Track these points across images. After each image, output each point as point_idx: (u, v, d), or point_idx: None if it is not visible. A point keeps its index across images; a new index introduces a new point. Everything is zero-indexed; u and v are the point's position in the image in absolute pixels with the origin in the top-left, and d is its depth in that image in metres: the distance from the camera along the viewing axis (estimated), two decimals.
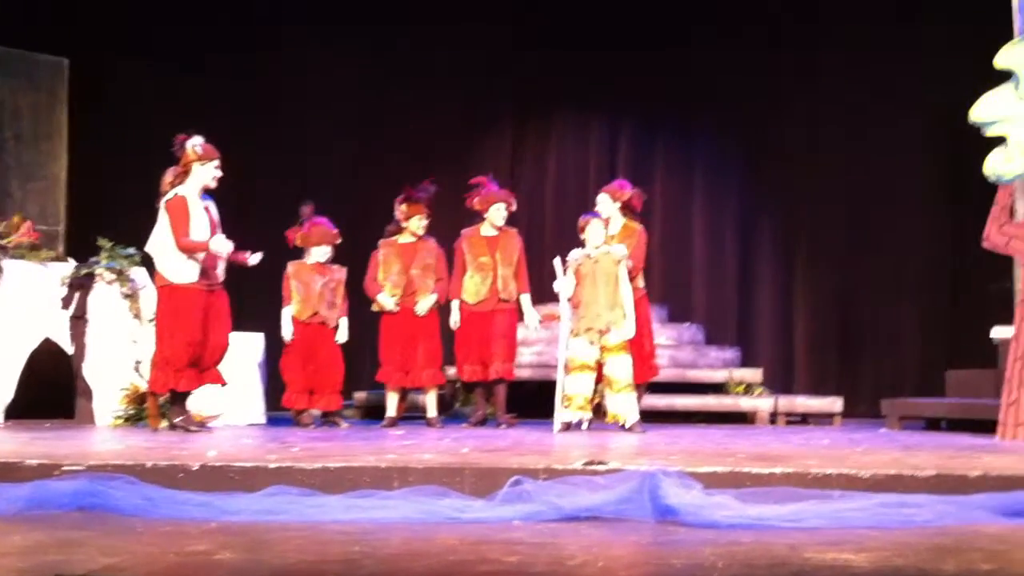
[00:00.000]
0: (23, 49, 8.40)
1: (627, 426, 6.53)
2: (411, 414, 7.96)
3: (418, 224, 7.45)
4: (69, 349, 7.43)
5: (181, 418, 6.55)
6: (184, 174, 6.49)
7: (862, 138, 9.76)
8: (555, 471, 4.17)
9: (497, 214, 7.46)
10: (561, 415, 6.62)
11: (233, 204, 9.67)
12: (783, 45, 10.05)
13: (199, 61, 10.18)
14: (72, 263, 7.65)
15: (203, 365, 6.56)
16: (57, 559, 2.99)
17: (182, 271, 6.44)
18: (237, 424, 7.35)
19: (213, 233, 6.51)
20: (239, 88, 10.37)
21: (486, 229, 7.49)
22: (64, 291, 7.42)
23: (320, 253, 7.49)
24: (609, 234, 7.16)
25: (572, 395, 6.60)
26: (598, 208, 7.27)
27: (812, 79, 9.97)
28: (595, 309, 6.54)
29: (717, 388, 8.86)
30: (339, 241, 7.56)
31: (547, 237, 10.34)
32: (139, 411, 7.03)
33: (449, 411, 8.58)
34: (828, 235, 10.09)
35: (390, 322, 7.42)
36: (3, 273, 7.33)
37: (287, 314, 7.37)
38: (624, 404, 6.55)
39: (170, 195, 6.46)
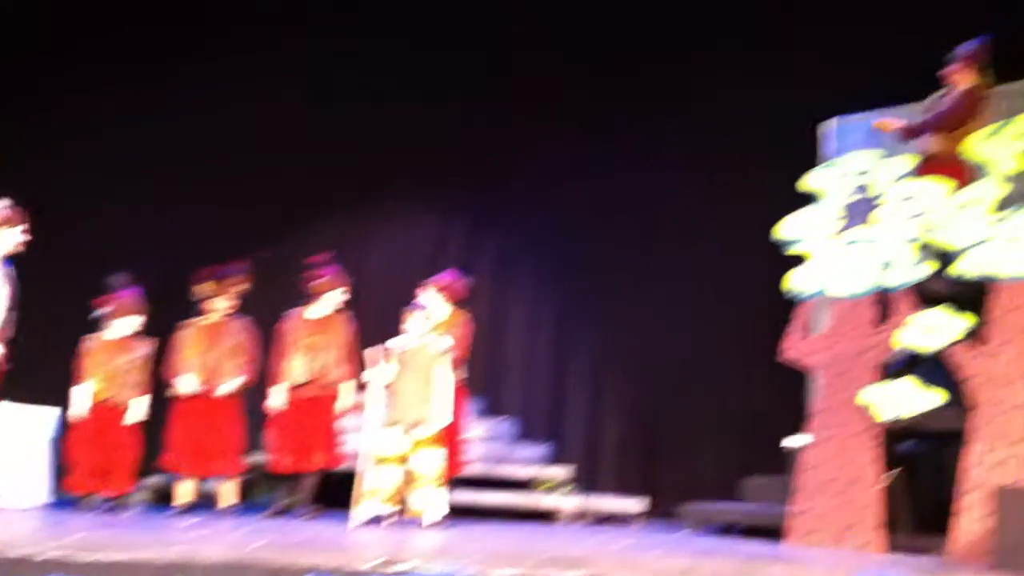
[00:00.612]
0: None
1: (429, 523, 6.42)
2: (207, 501, 7.63)
3: (223, 304, 7.26)
4: None
5: None
6: None
7: (676, 246, 9.99)
8: (349, 571, 4.03)
9: (331, 297, 7.35)
10: (362, 509, 6.47)
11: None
12: (611, 153, 10.25)
13: None
14: None
15: None
16: None
17: None
18: (18, 507, 6.90)
19: (9, 304, 6.17)
20: None
21: (315, 311, 7.36)
22: None
23: (124, 326, 7.18)
24: (435, 323, 7.15)
25: (376, 488, 6.46)
26: (424, 296, 7.25)
27: (635, 185, 10.17)
28: (408, 400, 6.47)
29: (527, 484, 8.83)
30: (144, 316, 7.27)
31: (369, 323, 10.20)
32: None
33: (249, 500, 8.27)
34: (640, 339, 10.27)
35: (187, 406, 7.16)
36: None
37: (80, 392, 7.00)
38: (429, 500, 6.44)
39: None
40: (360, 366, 7.56)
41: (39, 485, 7.29)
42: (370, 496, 6.47)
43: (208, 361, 7.13)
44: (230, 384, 7.08)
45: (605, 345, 10.47)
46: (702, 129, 9.72)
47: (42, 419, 7.46)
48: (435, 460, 6.46)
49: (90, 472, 6.96)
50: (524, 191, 10.37)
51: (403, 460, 6.48)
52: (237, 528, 5.85)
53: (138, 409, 7.11)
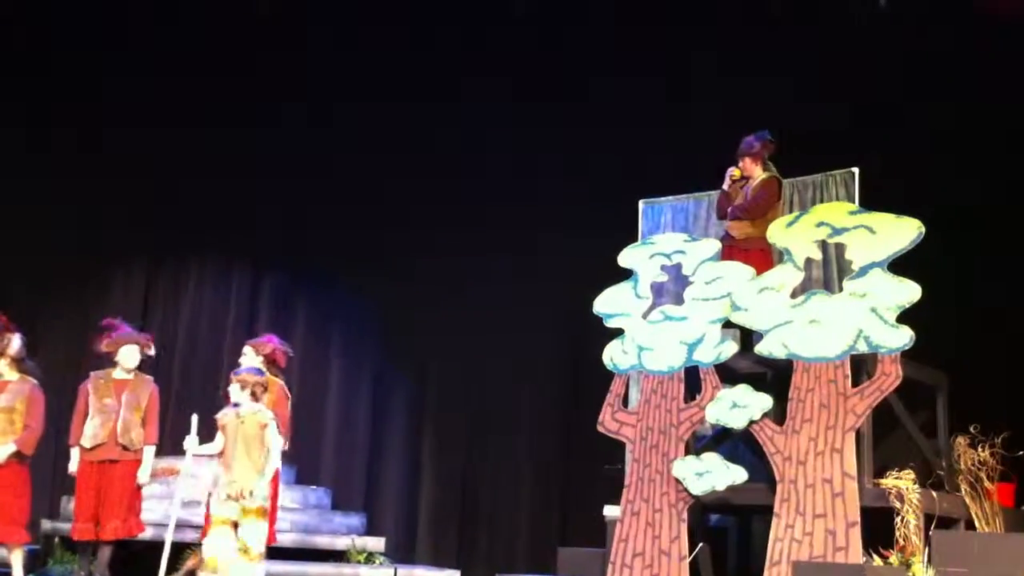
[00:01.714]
0: None
1: None
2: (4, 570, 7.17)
3: (4, 367, 6.92)
4: None
5: None
6: None
7: (495, 315, 10.06)
8: None
9: (129, 356, 7.08)
10: None
11: None
12: (419, 207, 10.26)
13: None
14: None
15: None
16: None
17: None
18: None
19: None
20: None
21: (117, 372, 7.10)
22: None
23: None
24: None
25: (208, 557, 6.14)
26: (242, 360, 7.06)
27: (447, 247, 10.19)
28: (237, 472, 6.19)
29: (340, 555, 8.64)
30: None
31: (175, 386, 9.89)
32: None
33: (43, 570, 7.81)
34: (455, 411, 10.28)
35: None
36: None
37: None
38: (249, 572, 6.13)
39: None
40: (164, 430, 7.30)
41: None
42: (201, 566, 6.15)
43: None
44: (4, 450, 6.68)
45: (419, 415, 10.45)
46: (518, 199, 9.89)
47: None
48: (260, 533, 6.20)
49: None
50: (334, 256, 10.28)
51: (235, 527, 6.17)
52: None
53: None
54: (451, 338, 10.14)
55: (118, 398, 7.01)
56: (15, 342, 6.92)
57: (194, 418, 6.42)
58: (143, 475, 7.02)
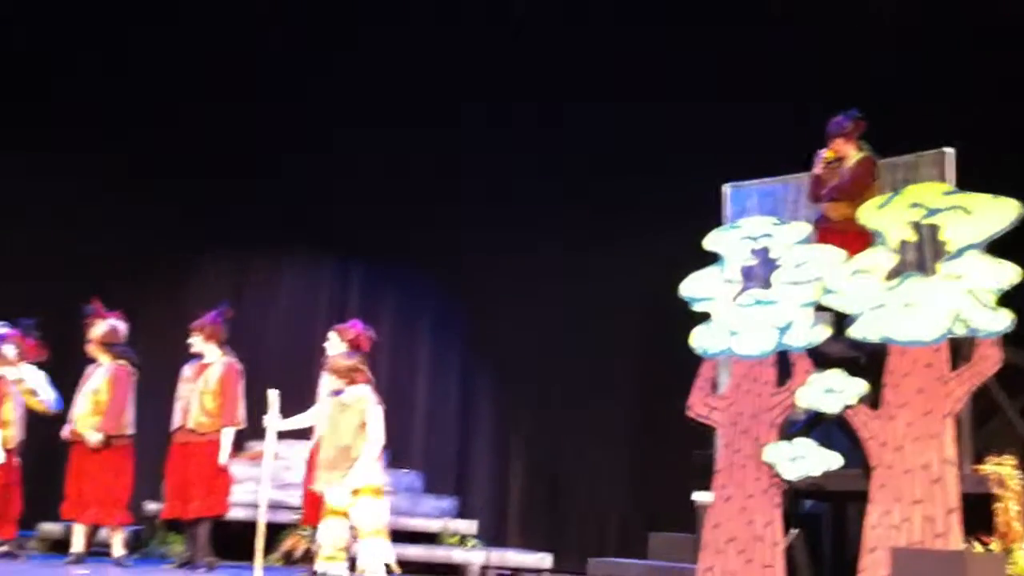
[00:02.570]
0: None
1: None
2: (102, 549, 7.41)
3: (94, 350, 7.17)
4: None
5: None
6: None
7: (582, 299, 10.09)
8: None
9: (197, 340, 7.26)
10: (262, 563, 6.27)
11: None
12: (505, 203, 10.32)
13: None
14: None
15: None
16: None
17: None
18: None
19: None
20: None
21: (198, 359, 7.29)
22: None
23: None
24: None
25: (322, 543, 6.25)
26: (327, 346, 7.20)
27: (531, 238, 10.25)
28: (342, 456, 6.23)
29: (432, 538, 8.75)
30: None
31: (267, 374, 10.08)
32: None
33: (142, 550, 8.05)
34: (545, 395, 10.33)
35: (76, 453, 7.02)
36: None
37: None
38: (366, 553, 6.14)
39: None
40: (248, 413, 7.47)
41: None
42: (318, 550, 6.26)
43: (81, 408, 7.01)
44: (96, 435, 6.91)
45: (508, 401, 10.51)
46: (607, 185, 9.87)
47: None
48: (376, 511, 6.19)
49: None
50: (426, 243, 10.39)
51: (345, 513, 6.21)
52: None
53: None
54: (537, 326, 10.18)
55: (197, 383, 7.19)
56: (102, 326, 7.15)
57: (273, 394, 6.47)
58: (223, 456, 7.17)
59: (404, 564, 8.17)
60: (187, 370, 7.34)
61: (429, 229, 10.32)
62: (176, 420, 7.19)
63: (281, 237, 10.54)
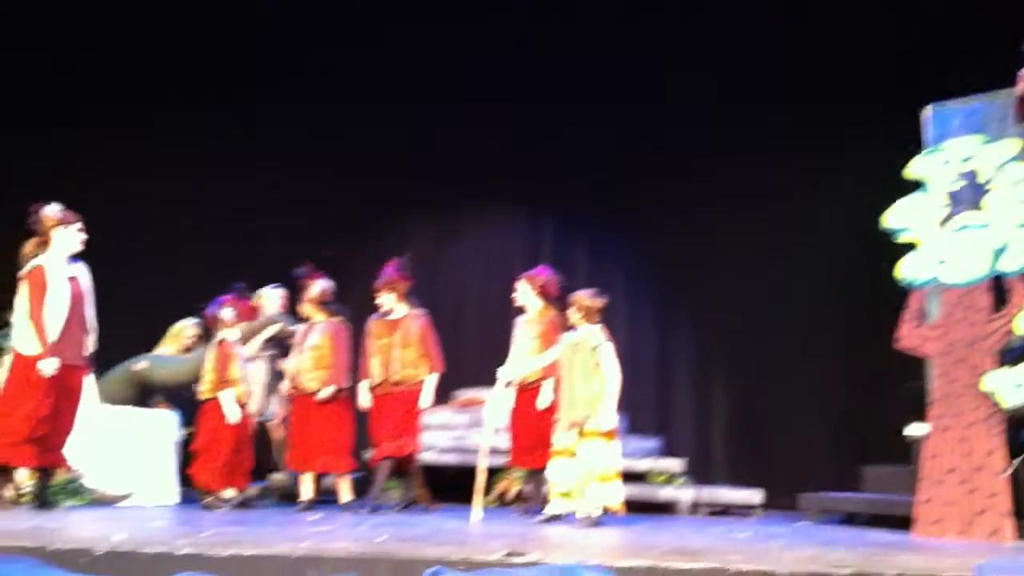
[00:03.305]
0: None
1: (597, 517, 6.18)
2: (328, 497, 7.83)
3: (309, 310, 7.47)
4: None
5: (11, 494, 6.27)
6: (44, 243, 6.37)
7: (779, 237, 9.93)
8: (474, 562, 4.11)
9: (386, 299, 7.44)
10: (482, 504, 6.47)
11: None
12: (706, 146, 10.23)
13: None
14: None
15: (48, 445, 6.30)
16: None
17: (34, 343, 6.27)
18: (149, 504, 7.16)
19: (75, 304, 6.34)
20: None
21: (391, 311, 7.47)
22: None
23: (238, 333, 7.49)
24: (526, 319, 7.23)
25: (553, 483, 6.39)
26: (517, 294, 7.31)
27: (730, 180, 10.14)
28: (575, 397, 6.31)
29: (639, 477, 8.84)
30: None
31: (466, 327, 10.40)
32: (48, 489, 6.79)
33: (363, 497, 8.44)
34: (745, 331, 10.22)
35: (300, 406, 7.38)
36: None
37: (230, 396, 7.22)
38: (594, 495, 6.20)
39: (29, 265, 6.34)
40: (458, 366, 7.68)
41: (167, 485, 7.54)
42: (553, 493, 6.40)
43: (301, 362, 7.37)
44: (326, 391, 7.24)
45: (707, 340, 10.45)
46: (805, 119, 9.65)
47: (166, 423, 7.72)
48: (607, 454, 6.21)
49: (219, 470, 7.19)
50: (624, 186, 10.41)
51: (573, 454, 6.29)
52: (359, 523, 5.98)
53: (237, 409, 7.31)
54: (737, 259, 10.08)
55: (395, 336, 7.40)
56: (317, 286, 7.48)
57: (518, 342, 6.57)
58: (425, 401, 7.39)
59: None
60: (377, 326, 7.49)
61: (624, 182, 10.38)
62: (376, 375, 7.38)
63: (479, 191, 10.74)
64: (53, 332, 6.24)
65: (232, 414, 7.18)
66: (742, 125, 9.93)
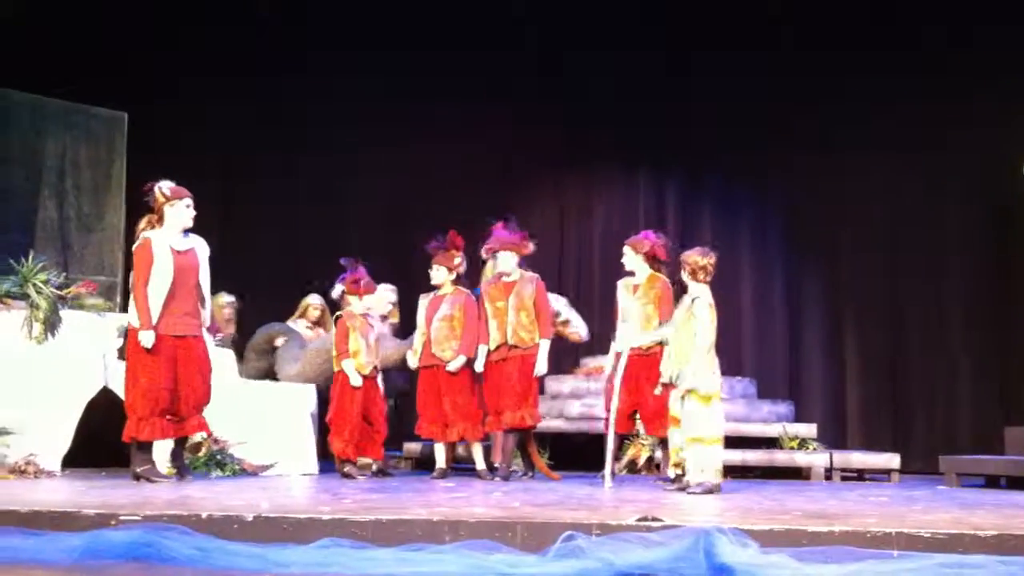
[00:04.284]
0: (81, 103, 8.58)
1: (698, 482, 6.01)
2: (463, 465, 7.96)
3: (438, 276, 7.49)
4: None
5: (144, 468, 6.34)
6: (159, 219, 6.54)
7: (910, 195, 9.70)
8: (608, 527, 4.14)
9: (505, 260, 7.43)
10: (610, 471, 6.44)
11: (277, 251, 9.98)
12: (830, 109, 10.02)
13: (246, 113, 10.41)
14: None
15: (179, 414, 6.41)
16: None
17: (137, 316, 6.34)
18: (290, 474, 7.39)
19: (186, 276, 6.44)
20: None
21: (506, 276, 7.46)
22: (121, 341, 7.47)
23: (372, 303, 7.64)
24: (634, 283, 7.14)
25: (672, 449, 6.35)
26: (624, 260, 7.23)
27: (855, 136, 9.93)
28: (676, 360, 6.22)
29: (770, 443, 8.73)
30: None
31: (593, 290, 10.43)
32: (193, 460, 7.07)
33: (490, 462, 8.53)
34: (876, 292, 10.02)
35: (422, 375, 7.49)
36: (61, 323, 7.42)
37: (350, 366, 7.40)
38: (691, 460, 6.04)
39: (138, 240, 6.52)
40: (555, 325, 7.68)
41: (307, 455, 7.76)
42: (669, 458, 6.39)
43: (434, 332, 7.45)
44: (457, 361, 7.30)
45: (837, 305, 10.28)
46: (933, 80, 9.40)
47: (303, 395, 7.94)
48: (704, 417, 6.03)
49: (350, 440, 7.36)
50: (756, 149, 10.28)
51: (677, 421, 6.21)
52: (493, 490, 6.07)
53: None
54: (867, 223, 9.90)
55: (506, 300, 7.41)
56: (458, 258, 7.52)
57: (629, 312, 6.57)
58: (540, 368, 7.37)
59: (746, 469, 8.27)
60: (493, 289, 7.43)
61: (740, 141, 10.30)
62: (495, 338, 7.40)
63: (598, 155, 10.75)
64: (156, 305, 6.34)
65: (353, 382, 7.34)
66: (868, 83, 9.71)
